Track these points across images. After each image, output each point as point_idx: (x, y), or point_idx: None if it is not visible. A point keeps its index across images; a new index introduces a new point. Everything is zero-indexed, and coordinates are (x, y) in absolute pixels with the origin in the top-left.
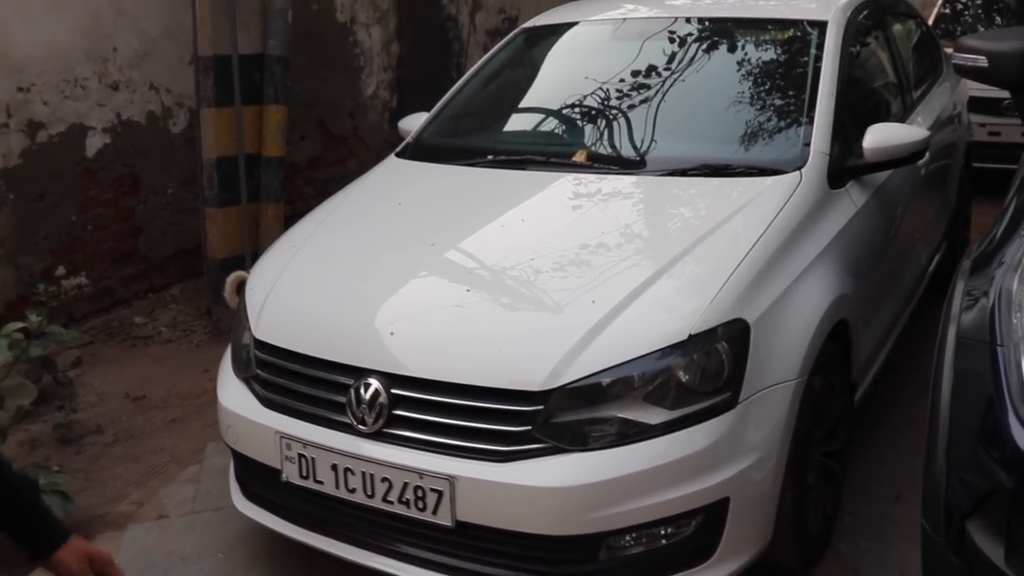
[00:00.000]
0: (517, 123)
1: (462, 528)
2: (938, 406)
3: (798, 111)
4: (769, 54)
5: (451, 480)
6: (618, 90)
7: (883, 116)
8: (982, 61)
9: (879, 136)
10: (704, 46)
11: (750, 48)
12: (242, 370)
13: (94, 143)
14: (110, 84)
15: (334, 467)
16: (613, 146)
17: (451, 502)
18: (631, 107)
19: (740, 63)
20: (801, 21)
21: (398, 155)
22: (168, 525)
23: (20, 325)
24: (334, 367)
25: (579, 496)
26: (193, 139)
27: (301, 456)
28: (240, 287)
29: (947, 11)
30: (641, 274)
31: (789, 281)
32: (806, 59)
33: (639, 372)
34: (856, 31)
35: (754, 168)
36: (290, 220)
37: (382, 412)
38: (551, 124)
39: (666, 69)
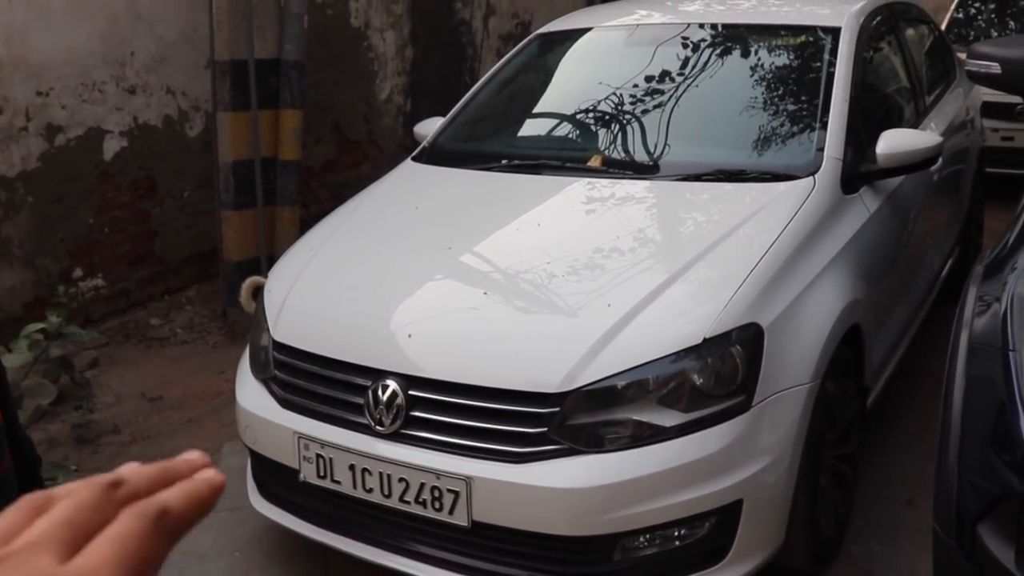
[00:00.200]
0: (532, 128)
1: (478, 528)
2: (950, 410)
3: (811, 117)
4: (782, 60)
5: (467, 481)
6: (632, 95)
7: (896, 122)
8: (995, 67)
9: (892, 142)
10: (717, 52)
11: (763, 54)
12: (260, 371)
13: (111, 146)
14: (127, 88)
15: (351, 467)
16: (627, 151)
17: (467, 502)
18: (645, 112)
19: (753, 69)
20: (815, 27)
21: (414, 159)
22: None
23: (40, 326)
24: (352, 368)
25: (594, 497)
26: (209, 143)
27: (319, 456)
28: (256, 292)
29: (960, 16)
30: (655, 278)
31: (802, 286)
32: (819, 65)
33: (654, 375)
34: (869, 37)
35: (767, 173)
36: (305, 223)
37: (399, 413)
38: (565, 129)
39: (679, 74)
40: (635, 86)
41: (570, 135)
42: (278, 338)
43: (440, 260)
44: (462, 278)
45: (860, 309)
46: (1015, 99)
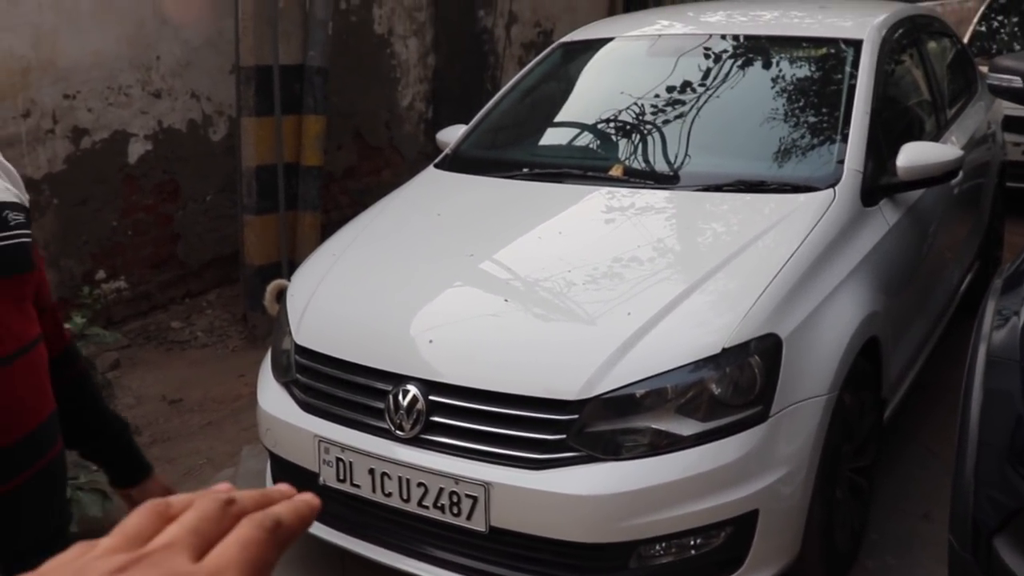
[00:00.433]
0: (554, 137)
1: (496, 534)
2: (967, 424)
3: (832, 129)
4: (804, 71)
5: (486, 486)
6: (653, 105)
7: (917, 134)
8: (1017, 81)
9: (913, 155)
10: (739, 63)
11: (785, 65)
12: (282, 374)
13: (136, 150)
14: (153, 92)
15: (371, 471)
16: (648, 161)
17: (486, 508)
18: (666, 122)
19: (775, 80)
20: (836, 39)
21: (437, 166)
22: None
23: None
24: (373, 373)
25: (611, 504)
26: (232, 147)
27: (339, 460)
28: (280, 295)
29: (983, 29)
30: (675, 288)
31: (821, 297)
32: (841, 77)
33: (672, 384)
34: (891, 50)
35: (787, 185)
36: (326, 229)
37: (419, 418)
38: (587, 138)
39: (701, 85)
40: (657, 96)
41: (591, 144)
42: (300, 342)
43: (461, 267)
44: (483, 285)
45: (879, 322)
46: None
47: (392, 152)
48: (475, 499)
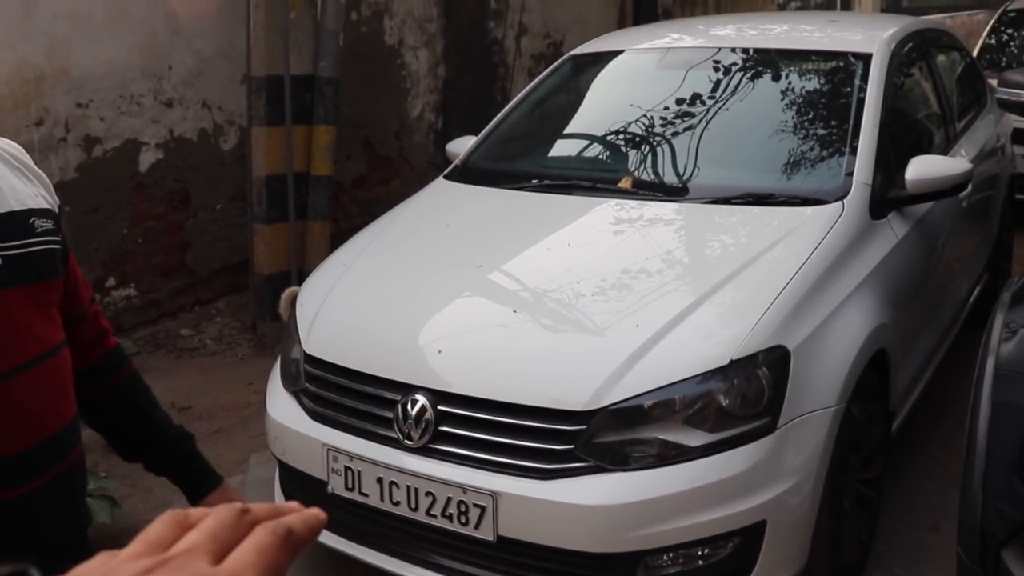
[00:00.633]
0: (563, 149)
1: (503, 543)
2: (975, 436)
3: (841, 142)
4: (813, 85)
5: (494, 496)
6: (662, 118)
7: (926, 147)
8: None
9: (921, 168)
10: (748, 76)
11: (794, 79)
12: (291, 383)
13: (147, 158)
14: (164, 101)
15: (379, 480)
16: (657, 173)
17: (494, 517)
18: (675, 135)
19: (784, 93)
20: (846, 53)
21: (446, 177)
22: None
23: None
24: (382, 383)
25: (619, 515)
26: (242, 156)
27: (347, 468)
28: (295, 302)
29: (992, 42)
30: (683, 300)
31: (830, 310)
32: (850, 90)
33: (680, 395)
34: (901, 63)
35: (796, 197)
36: (335, 238)
37: (428, 428)
38: (596, 150)
39: (710, 98)
40: (666, 109)
41: (601, 156)
42: (310, 351)
43: (470, 277)
44: (492, 296)
45: (887, 334)
46: None
47: (402, 162)
48: (483, 508)
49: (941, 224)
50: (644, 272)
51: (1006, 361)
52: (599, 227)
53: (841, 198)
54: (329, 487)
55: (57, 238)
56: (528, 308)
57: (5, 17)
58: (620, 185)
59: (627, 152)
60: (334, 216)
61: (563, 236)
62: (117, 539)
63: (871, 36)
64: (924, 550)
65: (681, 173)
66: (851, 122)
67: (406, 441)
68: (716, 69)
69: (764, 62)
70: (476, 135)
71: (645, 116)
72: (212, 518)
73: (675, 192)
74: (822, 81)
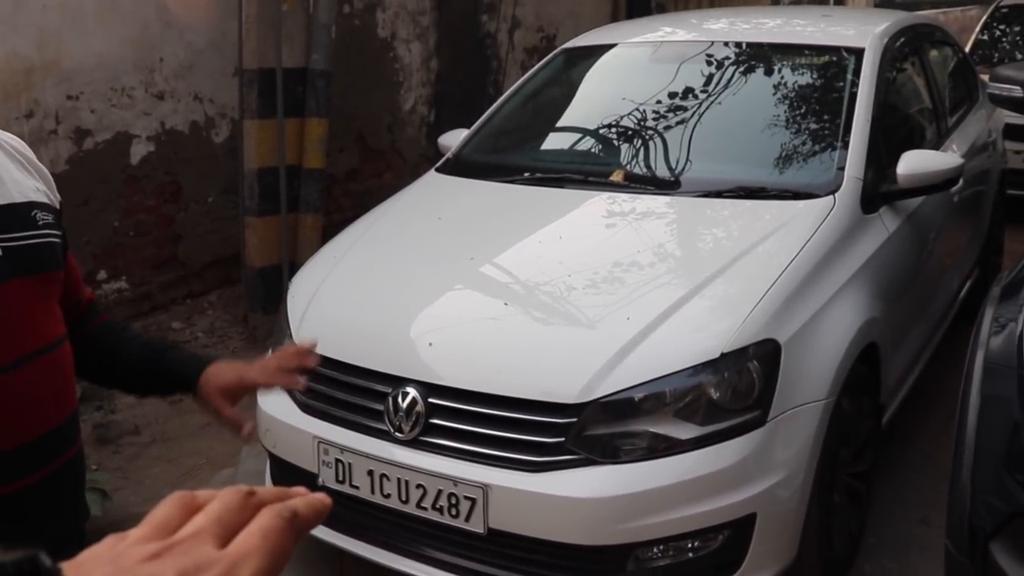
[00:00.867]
0: (555, 142)
1: (494, 536)
2: (964, 429)
3: (833, 136)
4: (805, 79)
5: (485, 488)
6: (655, 111)
7: (917, 142)
8: (1017, 91)
9: (913, 162)
10: (741, 70)
11: (786, 73)
12: None
13: (138, 151)
14: (156, 94)
15: (370, 473)
16: (649, 166)
17: (484, 510)
18: (667, 128)
19: (776, 87)
20: (839, 47)
21: (438, 170)
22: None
23: None
24: (373, 375)
25: (609, 507)
26: (234, 149)
27: (338, 461)
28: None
29: (985, 38)
30: (674, 293)
31: (820, 303)
32: (842, 85)
33: (671, 388)
34: (893, 58)
35: (788, 191)
36: (327, 231)
37: (419, 420)
38: (589, 143)
39: (703, 92)
40: (658, 102)
41: (593, 149)
42: (301, 343)
43: (462, 270)
44: (483, 288)
45: (877, 327)
46: None
47: (394, 155)
48: (474, 501)
49: (932, 219)
50: (636, 265)
51: (995, 355)
52: (591, 220)
53: (833, 192)
54: (320, 480)
55: (58, 232)
56: (519, 301)
57: None
58: (612, 178)
59: (619, 145)
60: (326, 209)
61: (555, 229)
62: (107, 532)
63: (864, 31)
64: (914, 543)
65: (673, 167)
66: (843, 116)
67: (397, 434)
68: (709, 63)
69: (757, 56)
70: (468, 128)
71: (638, 110)
72: (219, 501)
73: (667, 185)
74: (814, 75)
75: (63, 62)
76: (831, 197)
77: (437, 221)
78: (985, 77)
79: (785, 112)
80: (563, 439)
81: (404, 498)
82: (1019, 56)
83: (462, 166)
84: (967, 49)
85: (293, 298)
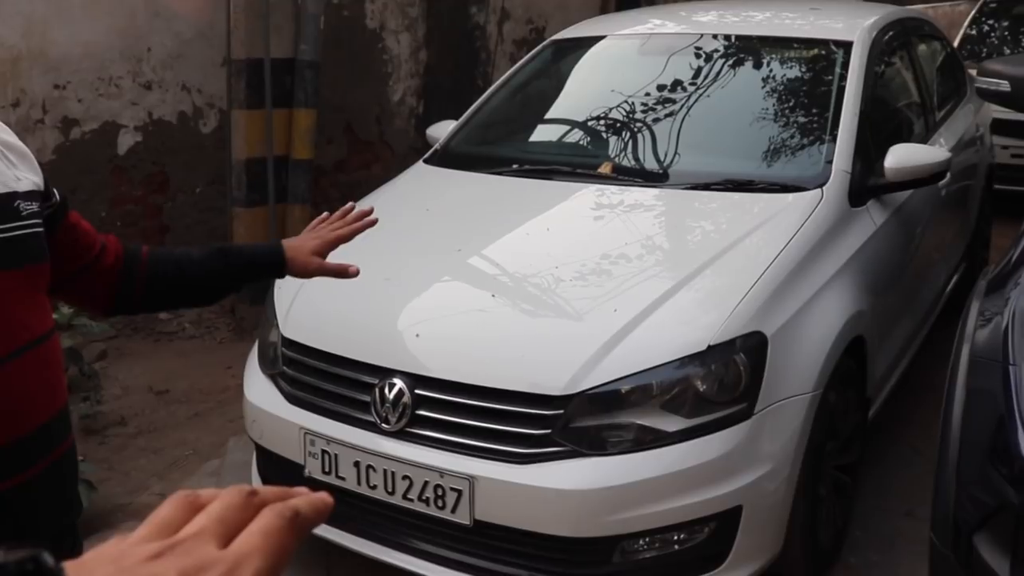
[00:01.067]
0: (544, 134)
1: (480, 527)
2: (950, 423)
3: (821, 129)
4: (794, 72)
5: (471, 480)
6: (643, 104)
7: (906, 136)
8: (1004, 85)
9: (901, 156)
10: (730, 63)
11: (775, 66)
12: (269, 366)
13: (126, 141)
14: (143, 84)
15: (356, 464)
16: (637, 159)
17: (470, 501)
18: (656, 121)
19: (765, 80)
20: (827, 41)
21: (426, 161)
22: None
23: None
24: (359, 366)
25: (595, 499)
26: (223, 140)
27: (324, 452)
28: None
29: (973, 33)
30: (662, 285)
31: (807, 296)
32: (831, 78)
33: (658, 380)
34: (881, 52)
35: (776, 184)
36: None
37: (405, 411)
38: (577, 136)
39: (691, 84)
40: (647, 95)
41: (581, 142)
42: (287, 334)
43: (449, 262)
44: (471, 280)
45: (864, 321)
46: None
47: (382, 147)
48: (460, 492)
49: (920, 213)
50: (623, 257)
51: (981, 349)
52: (579, 212)
53: (821, 185)
54: (306, 471)
55: (41, 220)
56: (507, 293)
57: None
58: (600, 171)
59: (608, 138)
60: (314, 200)
61: (543, 221)
62: (93, 523)
63: (852, 24)
64: (899, 535)
65: (662, 159)
66: (831, 110)
67: (383, 425)
68: (698, 55)
69: (746, 49)
70: (457, 120)
71: (626, 102)
72: (220, 501)
73: (655, 178)
74: (803, 68)
75: (50, 51)
76: (819, 190)
77: (425, 212)
78: (973, 72)
79: (773, 105)
80: (549, 431)
81: (390, 489)
82: (1007, 51)
83: (450, 157)
84: (956, 44)
85: (280, 289)
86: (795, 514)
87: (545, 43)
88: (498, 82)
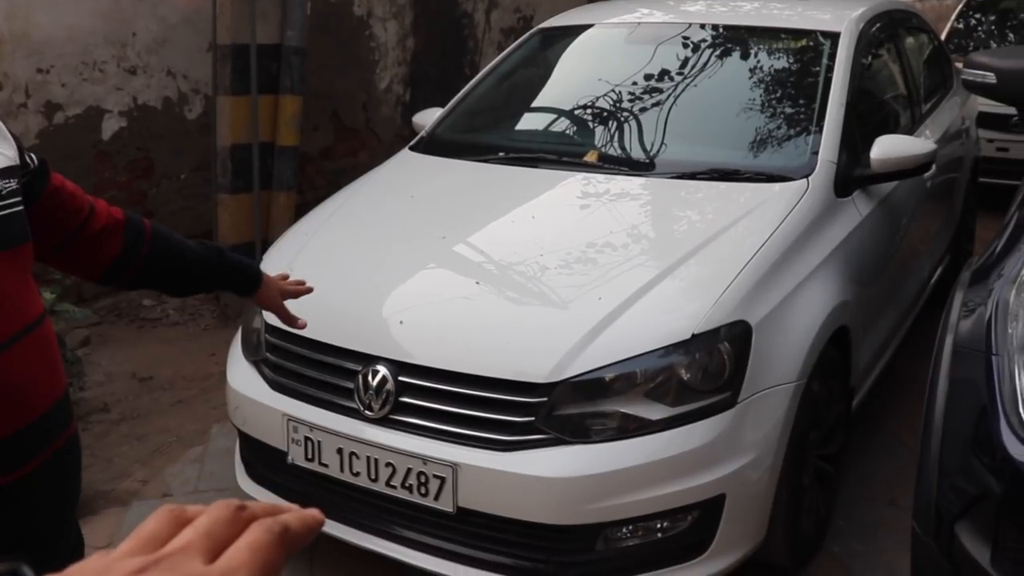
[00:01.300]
0: (530, 122)
1: (463, 514)
2: (933, 412)
3: (808, 120)
4: (781, 62)
5: (454, 467)
6: (631, 93)
7: (892, 128)
8: (990, 78)
9: (887, 147)
10: (717, 52)
11: (763, 56)
12: (252, 353)
13: (110, 126)
14: (128, 68)
15: (339, 451)
16: (624, 147)
17: (453, 489)
18: (643, 110)
19: (752, 70)
20: (815, 31)
21: (412, 149)
22: (172, 503)
23: None
24: (343, 353)
25: (578, 487)
26: (207, 126)
27: (307, 439)
28: None
29: (960, 26)
30: (647, 274)
31: (792, 286)
32: (818, 69)
33: (642, 369)
34: (869, 43)
35: (762, 174)
36: (301, 209)
37: (389, 398)
38: (564, 124)
39: (679, 74)
40: (634, 84)
41: (568, 130)
42: (271, 321)
43: (434, 249)
44: (455, 267)
45: (849, 311)
46: (1011, 110)
47: (369, 134)
48: (443, 480)
49: (905, 204)
50: (608, 246)
51: (964, 339)
52: (565, 200)
53: (806, 176)
54: (289, 457)
55: (21, 198)
56: (491, 280)
57: None
58: (587, 159)
59: (594, 126)
60: (300, 187)
61: (528, 209)
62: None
63: (840, 15)
64: (882, 524)
65: (648, 148)
66: (818, 100)
67: (366, 412)
68: (685, 45)
69: (733, 39)
70: (443, 107)
71: (613, 91)
72: (207, 515)
73: (642, 167)
74: (790, 59)
75: (33, 34)
76: (805, 180)
77: (410, 200)
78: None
79: (760, 95)
80: (533, 419)
81: (373, 476)
82: (994, 45)
83: (436, 145)
84: (943, 37)
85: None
86: (778, 503)
87: (532, 31)
88: (485, 70)
